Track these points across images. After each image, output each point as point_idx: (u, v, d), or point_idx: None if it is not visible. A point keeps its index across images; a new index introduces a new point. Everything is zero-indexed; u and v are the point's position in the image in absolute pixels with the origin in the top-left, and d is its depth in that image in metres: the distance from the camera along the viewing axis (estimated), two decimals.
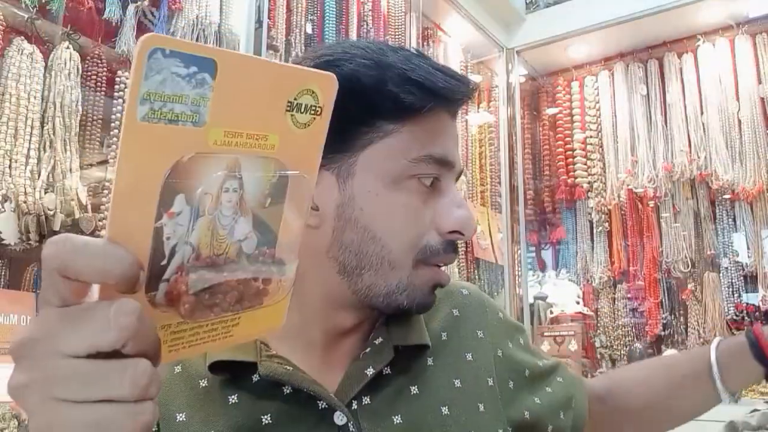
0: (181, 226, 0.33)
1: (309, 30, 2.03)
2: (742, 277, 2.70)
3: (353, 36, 2.18)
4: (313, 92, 0.36)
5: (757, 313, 2.64)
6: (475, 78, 2.97)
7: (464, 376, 0.65)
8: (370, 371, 0.59)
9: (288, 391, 0.57)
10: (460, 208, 0.59)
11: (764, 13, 2.66)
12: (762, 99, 2.66)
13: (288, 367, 0.57)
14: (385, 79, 0.56)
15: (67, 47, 1.41)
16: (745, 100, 2.67)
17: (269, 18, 1.85)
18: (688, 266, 2.78)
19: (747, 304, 2.67)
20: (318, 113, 0.37)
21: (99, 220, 1.41)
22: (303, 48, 1.99)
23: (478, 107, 2.98)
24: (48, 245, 0.31)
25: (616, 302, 2.94)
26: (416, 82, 0.56)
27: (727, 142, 2.70)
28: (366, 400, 0.59)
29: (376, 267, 0.58)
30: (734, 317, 2.67)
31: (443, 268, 0.62)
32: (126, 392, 0.31)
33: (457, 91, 0.59)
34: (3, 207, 1.26)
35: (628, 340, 2.89)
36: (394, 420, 0.59)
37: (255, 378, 0.57)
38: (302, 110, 0.36)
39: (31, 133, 1.33)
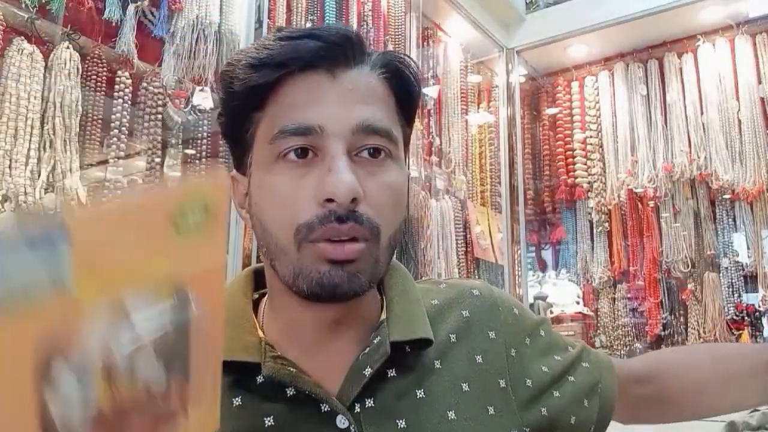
0: (69, 396, 0.30)
1: None
2: (742, 277, 2.70)
3: None
4: (197, 200, 0.35)
5: (757, 313, 2.64)
6: (474, 78, 2.97)
7: (473, 380, 0.62)
8: (368, 371, 0.57)
9: (291, 393, 0.57)
10: (331, 172, 0.54)
11: (764, 13, 2.65)
12: (762, 99, 2.66)
13: (291, 369, 0.57)
14: (238, 75, 0.57)
15: (67, 47, 1.41)
16: (745, 100, 2.67)
17: (269, 18, 1.85)
18: (688, 266, 2.78)
19: (747, 304, 2.67)
20: (209, 217, 0.35)
21: None
22: None
23: (478, 107, 2.98)
24: None
25: (616, 302, 2.94)
26: (256, 61, 0.56)
27: (727, 142, 2.70)
28: (369, 402, 0.57)
29: (275, 256, 0.57)
30: (734, 317, 2.67)
31: (348, 245, 0.55)
32: None
33: (305, 52, 0.55)
34: (3, 207, 1.26)
35: (628, 340, 2.89)
36: (398, 424, 0.57)
37: (259, 379, 0.57)
38: (189, 221, 0.34)
39: (31, 133, 1.33)
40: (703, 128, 2.75)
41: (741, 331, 2.64)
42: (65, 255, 0.30)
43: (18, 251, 0.28)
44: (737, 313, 2.67)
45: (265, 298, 0.65)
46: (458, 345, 0.64)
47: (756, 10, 2.66)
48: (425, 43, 2.63)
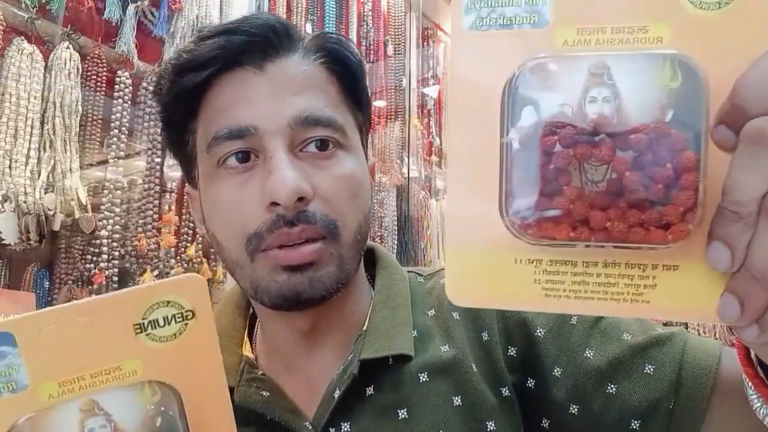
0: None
1: (309, 30, 2.03)
2: None
3: (353, 36, 2.18)
4: (170, 302, 0.33)
5: None
6: None
7: (466, 391, 0.54)
8: (336, 393, 0.53)
9: (268, 418, 0.54)
10: (271, 173, 0.49)
11: None
12: None
13: (264, 393, 0.54)
14: (165, 84, 0.54)
15: (67, 47, 1.41)
16: None
17: None
18: None
19: None
20: (188, 317, 0.33)
21: (99, 220, 1.41)
22: None
23: None
24: None
25: None
26: (179, 67, 0.52)
27: None
28: (345, 426, 0.53)
29: (233, 270, 0.54)
30: None
31: (302, 247, 0.50)
32: None
33: (225, 48, 0.51)
34: (3, 207, 1.26)
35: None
36: None
37: (234, 400, 0.54)
38: (160, 324, 0.33)
39: (31, 133, 1.33)
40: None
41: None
42: (18, 361, 0.31)
43: None
44: None
45: None
46: (448, 354, 0.56)
47: None
48: (425, 43, 2.63)
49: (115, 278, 1.42)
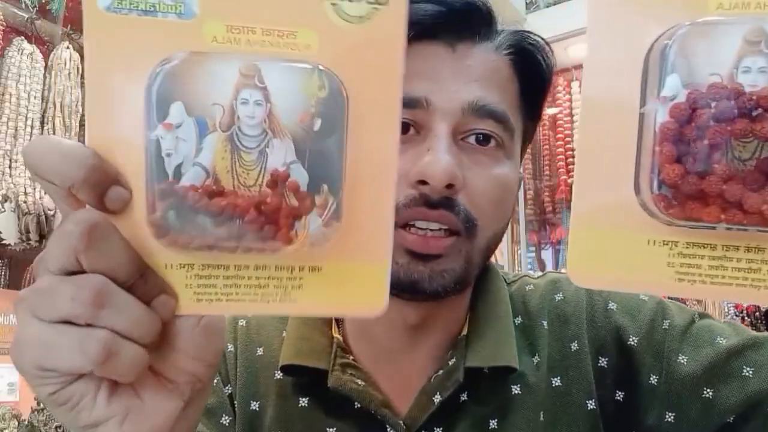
0: (184, 142, 0.26)
1: None
2: None
3: None
4: None
5: (757, 313, 2.63)
6: None
7: (550, 407, 0.54)
8: (437, 398, 0.52)
9: (358, 407, 0.53)
10: (430, 151, 0.48)
11: None
12: None
13: (359, 382, 0.53)
14: None
15: (67, 47, 1.41)
16: None
17: None
18: None
19: (747, 304, 2.67)
20: (381, 2, 0.28)
21: None
22: None
23: None
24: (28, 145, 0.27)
25: None
26: None
27: None
28: (438, 431, 0.52)
29: None
30: (734, 317, 2.67)
31: (431, 233, 0.49)
32: (68, 310, 0.27)
33: (424, 17, 0.49)
34: (3, 207, 1.26)
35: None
36: None
37: (328, 384, 0.53)
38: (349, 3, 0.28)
39: (31, 133, 1.33)
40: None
41: None
42: None
43: None
44: (737, 313, 2.67)
45: None
46: (540, 365, 0.56)
47: None
48: None
49: None
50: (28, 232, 1.30)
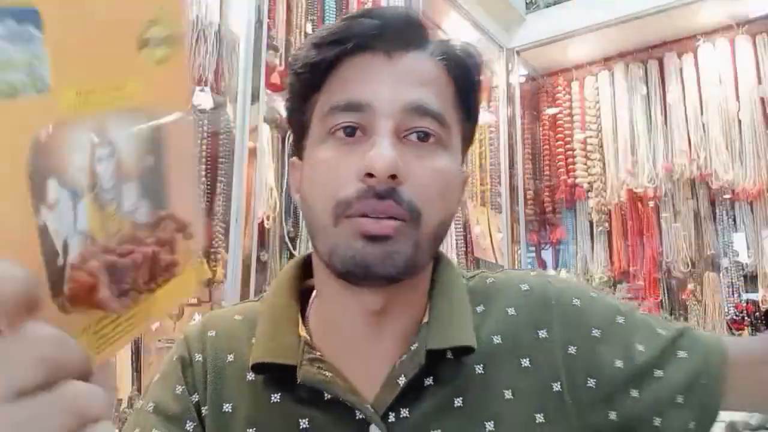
0: (65, 215, 0.27)
1: (309, 30, 2.03)
2: (742, 277, 2.70)
3: None
4: (162, 22, 0.31)
5: (757, 313, 2.64)
6: None
7: (517, 386, 0.58)
8: (401, 380, 0.56)
9: (328, 397, 0.57)
10: (374, 147, 0.53)
11: (764, 13, 2.65)
12: (762, 99, 2.66)
13: (327, 373, 0.56)
14: (301, 55, 0.59)
15: None
16: (745, 100, 2.67)
17: (269, 18, 1.85)
18: (688, 266, 2.78)
19: (747, 304, 2.67)
20: (174, 43, 0.32)
21: None
22: None
23: None
24: None
25: None
26: (317, 40, 0.57)
27: (727, 142, 2.69)
28: (404, 412, 0.56)
29: (316, 233, 0.57)
30: (734, 317, 2.67)
31: (384, 221, 0.53)
32: (66, 422, 0.27)
33: (362, 30, 0.55)
34: None
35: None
36: None
37: (298, 379, 0.56)
38: (155, 44, 0.31)
39: None
40: (703, 128, 2.75)
41: (741, 331, 2.64)
42: (39, 43, 0.26)
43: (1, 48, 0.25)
44: (737, 313, 2.67)
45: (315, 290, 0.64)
46: (503, 347, 0.60)
47: (756, 10, 2.66)
48: None
49: None
50: None
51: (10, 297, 0.25)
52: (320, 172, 0.56)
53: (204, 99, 1.67)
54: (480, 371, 0.58)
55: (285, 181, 1.92)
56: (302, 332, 0.60)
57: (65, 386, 0.27)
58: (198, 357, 0.62)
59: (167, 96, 0.33)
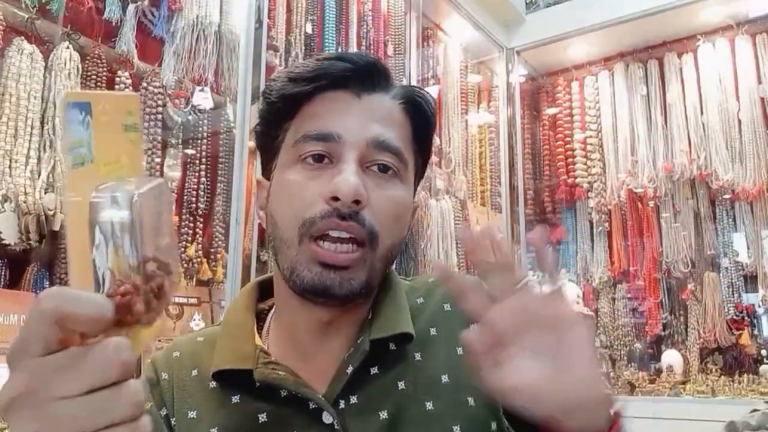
0: (103, 255, 0.37)
1: (309, 30, 2.03)
2: (742, 277, 2.70)
3: (353, 36, 2.18)
4: (131, 112, 0.41)
5: (757, 313, 2.64)
6: (474, 78, 2.97)
7: (452, 371, 0.64)
8: (349, 369, 0.61)
9: (284, 394, 0.61)
10: (340, 174, 0.59)
11: (764, 13, 2.66)
12: (762, 99, 2.66)
13: (281, 372, 0.61)
14: (276, 86, 0.65)
15: (67, 47, 1.41)
16: (745, 100, 2.67)
17: (269, 18, 1.85)
18: (688, 266, 2.78)
19: (747, 304, 2.67)
20: (136, 128, 0.42)
21: None
22: (303, 48, 1.99)
23: (478, 107, 2.98)
24: (44, 298, 0.34)
25: (616, 302, 2.94)
26: (294, 75, 0.64)
27: (727, 142, 2.70)
28: (353, 399, 0.61)
29: (279, 249, 0.62)
30: (734, 317, 2.67)
31: (343, 255, 0.59)
32: (128, 413, 0.34)
33: (335, 70, 0.62)
34: (3, 207, 1.26)
35: (628, 340, 2.89)
36: (380, 416, 0.60)
37: (256, 383, 0.61)
38: (129, 129, 0.41)
39: (31, 133, 1.33)
40: (703, 128, 2.75)
41: (741, 331, 2.64)
42: (89, 127, 0.38)
43: (78, 116, 0.38)
44: (737, 313, 2.67)
45: (273, 308, 0.70)
46: (439, 337, 0.67)
47: (756, 10, 2.66)
48: (425, 43, 2.63)
49: None
50: (28, 232, 1.30)
51: (105, 320, 0.34)
52: (288, 192, 0.62)
53: (204, 99, 1.67)
54: (418, 358, 0.64)
55: None
56: (258, 342, 0.66)
57: (128, 383, 0.35)
58: (164, 375, 0.67)
59: (136, 165, 0.42)
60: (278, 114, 0.65)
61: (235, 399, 0.63)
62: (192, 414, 0.64)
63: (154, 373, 0.68)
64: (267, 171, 0.67)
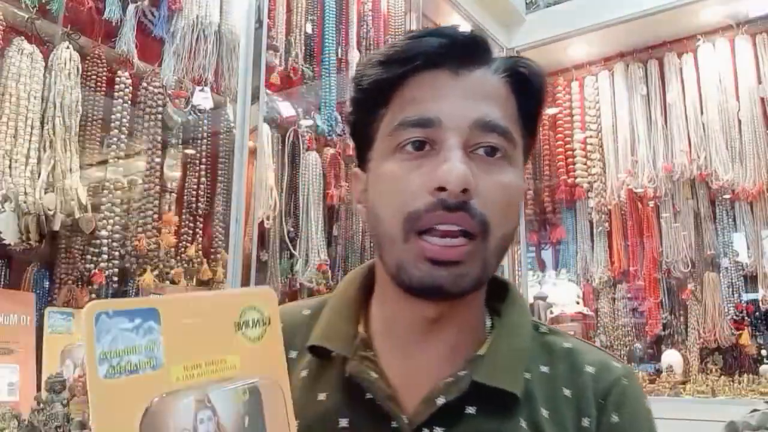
0: None
1: (309, 30, 2.03)
2: (742, 277, 2.70)
3: (353, 36, 2.18)
4: (255, 308, 0.40)
5: (757, 313, 2.64)
6: None
7: None
8: (440, 400, 0.56)
9: (369, 398, 0.57)
10: (446, 162, 0.54)
11: (764, 13, 2.66)
12: (762, 99, 2.66)
13: (373, 374, 0.57)
14: (367, 72, 0.60)
15: (67, 47, 1.41)
16: (745, 100, 2.67)
17: (269, 18, 1.85)
18: (688, 266, 2.78)
19: (747, 304, 2.67)
20: (267, 323, 0.41)
21: (99, 220, 1.41)
22: (303, 48, 1.99)
23: None
24: None
25: (616, 302, 2.94)
26: (384, 58, 0.58)
27: (727, 142, 2.70)
28: (439, 431, 0.56)
29: (383, 245, 0.58)
30: (734, 317, 2.67)
31: (453, 249, 0.54)
32: None
33: (429, 48, 0.57)
34: (3, 207, 1.26)
35: (628, 340, 2.89)
36: None
37: (346, 371, 0.58)
38: (251, 325, 0.40)
39: (31, 133, 1.33)
40: (703, 128, 2.75)
41: (741, 331, 2.64)
42: (157, 333, 0.36)
43: (125, 325, 0.35)
44: (737, 313, 2.67)
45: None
46: (548, 421, 0.58)
47: (756, 10, 2.66)
48: None
49: (115, 278, 1.42)
50: (28, 232, 1.30)
51: None
52: (388, 185, 0.57)
53: (204, 99, 1.67)
54: (523, 425, 0.57)
55: (285, 181, 1.92)
56: (361, 329, 0.61)
57: None
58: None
59: (263, 366, 0.41)
60: (371, 101, 0.60)
61: (321, 396, 0.59)
62: (292, 354, 0.61)
63: None
64: (363, 162, 0.63)
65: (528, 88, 0.60)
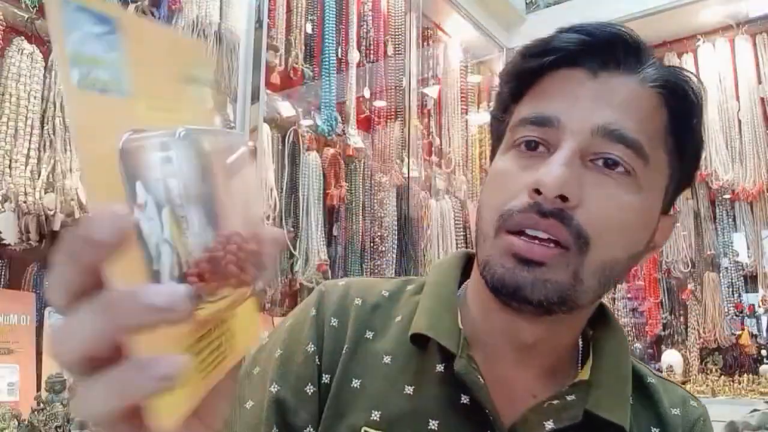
0: (153, 220, 0.26)
1: (309, 30, 2.03)
2: (742, 277, 2.70)
3: (353, 36, 2.18)
4: (203, 65, 0.34)
5: (757, 313, 2.63)
6: (474, 78, 2.97)
7: None
8: (549, 425, 0.52)
9: (465, 402, 0.54)
10: (548, 165, 0.49)
11: (764, 13, 2.65)
12: (762, 99, 2.66)
13: (480, 378, 0.53)
14: (508, 66, 0.57)
15: None
16: (745, 100, 2.67)
17: (269, 18, 1.85)
18: (688, 266, 2.78)
19: (747, 304, 2.67)
20: (205, 84, 0.34)
21: None
22: (303, 48, 1.99)
23: (478, 107, 2.98)
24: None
25: (616, 302, 2.94)
26: (526, 50, 0.55)
27: (727, 142, 2.70)
28: None
29: (479, 240, 0.55)
30: (734, 317, 2.67)
31: (539, 247, 0.50)
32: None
33: (563, 45, 0.53)
34: (3, 207, 1.26)
35: (628, 340, 2.89)
36: None
37: (441, 368, 0.55)
38: (201, 84, 0.33)
39: (31, 133, 1.33)
40: (703, 128, 2.75)
41: (741, 332, 2.64)
42: (122, 52, 0.27)
43: (91, 27, 0.26)
44: (737, 313, 2.67)
45: (467, 285, 0.62)
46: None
47: (756, 10, 2.66)
48: (425, 43, 2.63)
49: None
50: (28, 232, 1.30)
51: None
52: (494, 181, 0.54)
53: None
54: None
55: (285, 181, 1.92)
56: (461, 325, 0.57)
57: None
58: (333, 322, 0.59)
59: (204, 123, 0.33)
60: (507, 95, 0.57)
61: (408, 390, 0.54)
62: (356, 383, 0.55)
63: (323, 312, 0.59)
64: (493, 158, 0.59)
65: (684, 105, 0.54)
